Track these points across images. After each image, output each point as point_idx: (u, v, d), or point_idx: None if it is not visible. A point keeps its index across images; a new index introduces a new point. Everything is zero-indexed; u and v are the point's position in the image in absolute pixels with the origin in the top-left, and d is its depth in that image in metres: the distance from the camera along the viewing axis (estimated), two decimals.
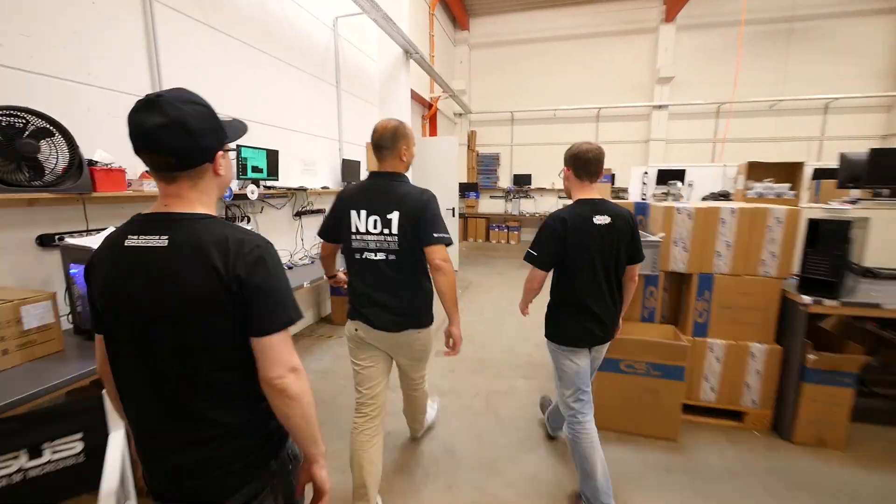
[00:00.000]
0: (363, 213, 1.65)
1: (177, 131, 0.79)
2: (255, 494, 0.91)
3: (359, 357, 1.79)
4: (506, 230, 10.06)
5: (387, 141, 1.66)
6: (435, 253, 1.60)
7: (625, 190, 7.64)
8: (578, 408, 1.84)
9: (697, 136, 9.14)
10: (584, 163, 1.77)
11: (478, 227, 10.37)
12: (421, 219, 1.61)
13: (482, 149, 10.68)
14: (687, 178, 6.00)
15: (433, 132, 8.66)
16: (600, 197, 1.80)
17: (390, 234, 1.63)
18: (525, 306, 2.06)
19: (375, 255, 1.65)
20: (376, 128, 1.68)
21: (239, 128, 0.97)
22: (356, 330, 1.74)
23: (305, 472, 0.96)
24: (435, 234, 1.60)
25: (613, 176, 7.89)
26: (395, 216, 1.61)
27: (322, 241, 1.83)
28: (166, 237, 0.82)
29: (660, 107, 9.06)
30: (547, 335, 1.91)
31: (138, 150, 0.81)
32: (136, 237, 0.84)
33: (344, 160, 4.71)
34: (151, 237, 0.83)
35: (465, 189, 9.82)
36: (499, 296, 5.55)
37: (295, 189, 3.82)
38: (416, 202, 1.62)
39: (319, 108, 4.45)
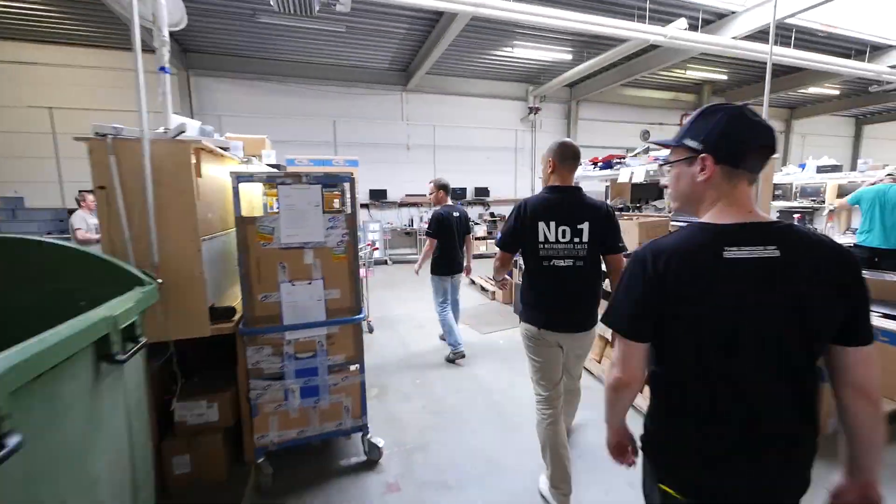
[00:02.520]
0: (552, 224, 1.86)
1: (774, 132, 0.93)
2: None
3: (540, 354, 1.97)
4: None
5: (578, 157, 1.95)
6: (619, 260, 1.92)
7: None
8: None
9: None
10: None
11: None
12: (609, 229, 1.90)
13: None
14: None
15: None
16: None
17: (580, 243, 1.87)
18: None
19: (564, 262, 1.87)
20: (568, 142, 1.97)
21: None
22: (538, 330, 1.92)
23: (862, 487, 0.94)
24: (620, 244, 1.93)
25: None
26: (585, 226, 1.86)
27: (500, 251, 2.04)
28: (773, 247, 0.88)
29: None
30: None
31: (763, 147, 0.91)
32: (735, 248, 0.89)
33: None
34: (756, 248, 0.88)
35: None
36: None
37: None
38: (604, 214, 1.89)
39: None
